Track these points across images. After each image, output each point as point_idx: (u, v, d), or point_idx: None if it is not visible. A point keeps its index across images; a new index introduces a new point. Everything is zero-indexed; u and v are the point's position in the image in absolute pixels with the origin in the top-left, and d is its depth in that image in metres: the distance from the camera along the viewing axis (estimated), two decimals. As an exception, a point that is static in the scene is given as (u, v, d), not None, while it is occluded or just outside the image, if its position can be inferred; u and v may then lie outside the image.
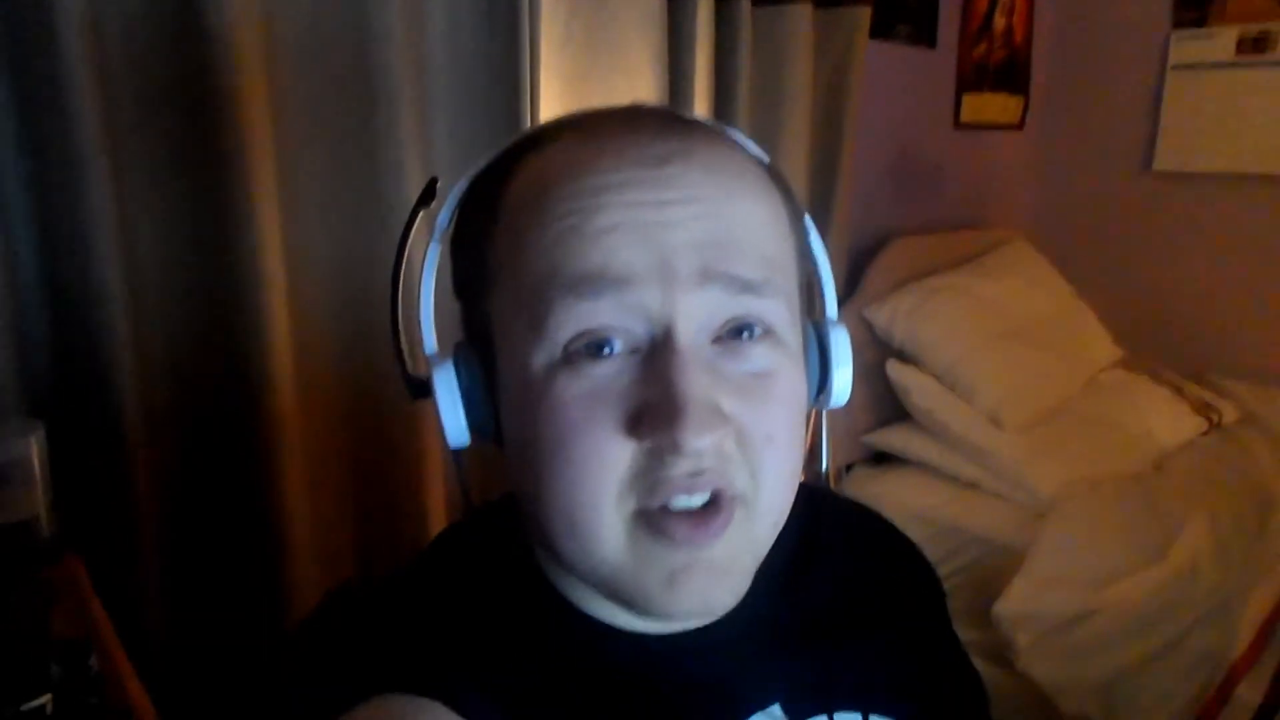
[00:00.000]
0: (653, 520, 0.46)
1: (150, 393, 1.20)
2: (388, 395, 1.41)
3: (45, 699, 0.79)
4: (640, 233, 0.46)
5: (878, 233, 2.42)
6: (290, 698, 0.48)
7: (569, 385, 0.46)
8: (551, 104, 1.55)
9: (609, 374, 0.46)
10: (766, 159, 0.55)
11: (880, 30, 2.27)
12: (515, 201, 0.50)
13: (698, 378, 0.45)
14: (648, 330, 0.46)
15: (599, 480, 0.46)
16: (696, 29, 1.73)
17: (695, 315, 0.46)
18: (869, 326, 2.26)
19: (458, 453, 0.54)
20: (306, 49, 1.29)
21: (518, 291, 0.48)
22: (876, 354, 2.25)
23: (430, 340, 0.54)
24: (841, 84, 2.11)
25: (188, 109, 1.18)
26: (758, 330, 0.48)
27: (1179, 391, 2.36)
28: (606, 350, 0.46)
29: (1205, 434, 2.28)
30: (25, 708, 0.78)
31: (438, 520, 1.49)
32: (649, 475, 0.45)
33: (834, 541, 0.64)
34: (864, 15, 2.09)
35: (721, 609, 0.49)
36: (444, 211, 0.55)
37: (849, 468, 2.28)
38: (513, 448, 0.51)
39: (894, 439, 2.23)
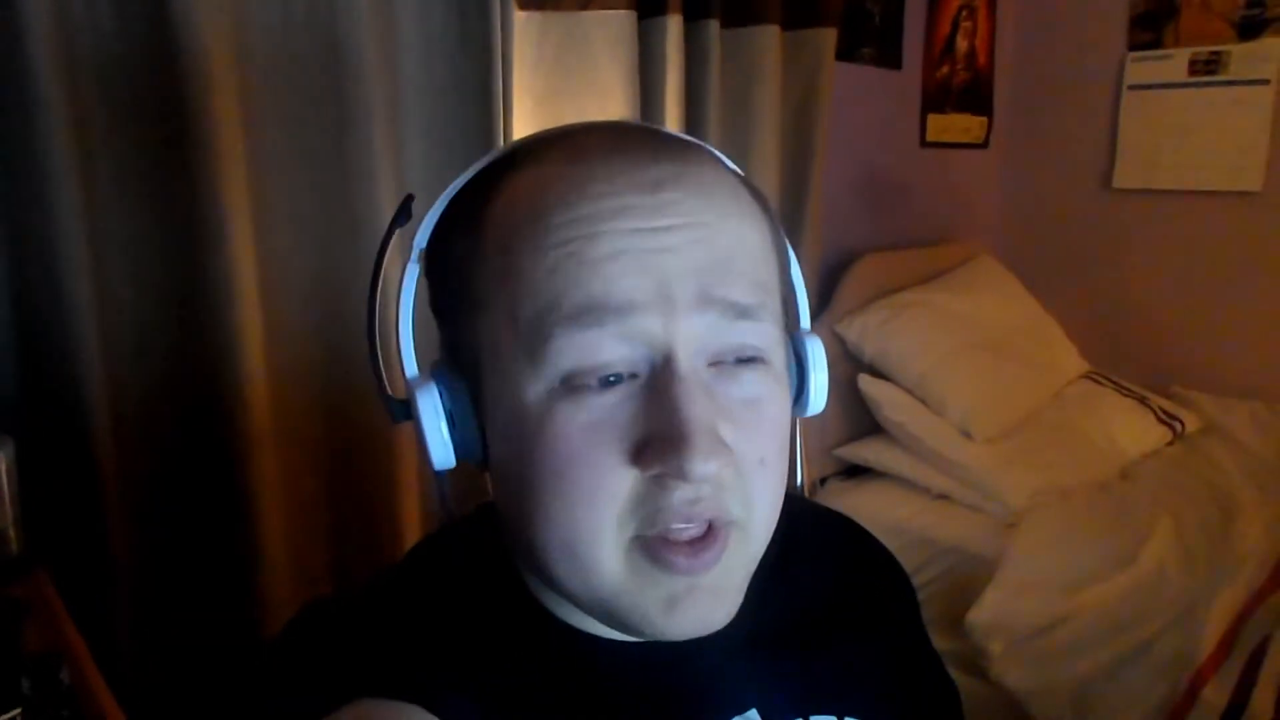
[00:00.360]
0: (651, 547, 0.46)
1: (120, 407, 1.20)
2: (362, 408, 1.40)
3: (15, 713, 0.78)
4: (640, 260, 0.46)
5: (847, 249, 2.45)
6: (267, 705, 0.48)
7: (571, 416, 0.46)
8: (524, 121, 1.57)
9: (610, 404, 0.46)
10: (744, 177, 0.55)
11: (846, 52, 2.32)
12: (501, 224, 0.49)
13: (702, 405, 0.45)
14: (648, 357, 0.46)
15: (600, 510, 0.46)
16: (667, 49, 1.75)
17: (694, 340, 0.46)
18: (840, 341, 2.29)
19: (440, 474, 0.53)
20: (278, 63, 1.29)
21: (512, 320, 0.47)
22: (848, 369, 2.27)
23: (411, 364, 0.53)
24: (810, 104, 2.15)
25: (159, 122, 1.18)
26: (750, 355, 0.49)
27: (1143, 402, 2.41)
28: (612, 379, 0.46)
29: (1169, 444, 2.33)
30: (-5, 722, 0.77)
31: (413, 535, 1.48)
32: (649, 503, 0.46)
33: (810, 549, 0.64)
34: (830, 37, 2.13)
35: (718, 627, 0.49)
36: (421, 232, 0.53)
37: (823, 481, 2.30)
38: (502, 471, 0.51)
39: (866, 452, 2.25)
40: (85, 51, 1.13)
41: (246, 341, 1.26)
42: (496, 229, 0.49)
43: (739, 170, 0.55)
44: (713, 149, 0.55)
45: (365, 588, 0.56)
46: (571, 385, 0.46)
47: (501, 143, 1.49)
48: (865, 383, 2.23)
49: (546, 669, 0.51)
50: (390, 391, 0.54)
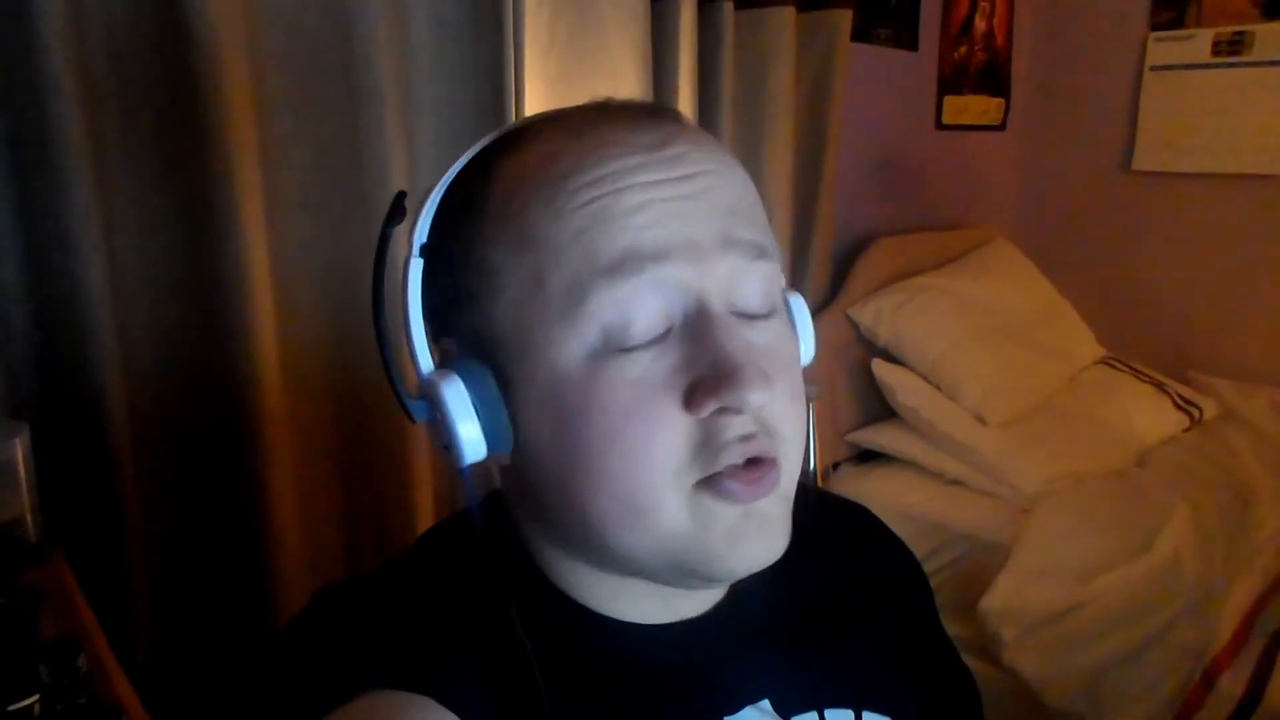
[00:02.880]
0: (713, 484, 0.47)
1: (135, 394, 1.20)
2: (374, 394, 1.41)
3: (33, 699, 0.79)
4: (665, 209, 0.47)
5: (861, 233, 2.43)
6: (281, 695, 0.48)
7: (617, 374, 0.46)
8: (535, 105, 1.56)
9: (651, 358, 0.47)
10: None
11: (861, 33, 2.29)
12: (510, 202, 0.49)
13: (741, 340, 0.47)
14: (682, 304, 0.48)
15: (661, 463, 0.47)
16: (680, 32, 1.74)
17: (722, 282, 0.48)
18: (854, 326, 2.27)
19: (466, 470, 0.51)
20: (290, 51, 1.29)
21: (539, 290, 0.47)
22: (861, 353, 2.26)
23: (426, 360, 0.51)
24: (824, 86, 2.13)
25: (172, 110, 1.18)
26: (766, 299, 0.51)
27: (1160, 388, 2.39)
28: (646, 334, 0.47)
29: (1186, 430, 2.31)
30: (13, 708, 0.78)
31: (425, 521, 1.49)
32: (706, 446, 0.47)
33: (823, 538, 0.64)
34: (845, 18, 2.11)
35: (774, 559, 0.50)
36: (420, 227, 0.52)
37: (835, 466, 2.29)
38: (535, 452, 0.50)
39: (879, 437, 2.24)
40: (98, 39, 1.13)
41: (259, 327, 1.26)
42: (504, 209, 0.50)
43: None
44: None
45: (376, 576, 0.56)
46: (612, 345, 0.47)
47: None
48: (879, 367, 2.22)
49: (561, 652, 0.51)
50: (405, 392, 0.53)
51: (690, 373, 0.46)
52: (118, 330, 1.16)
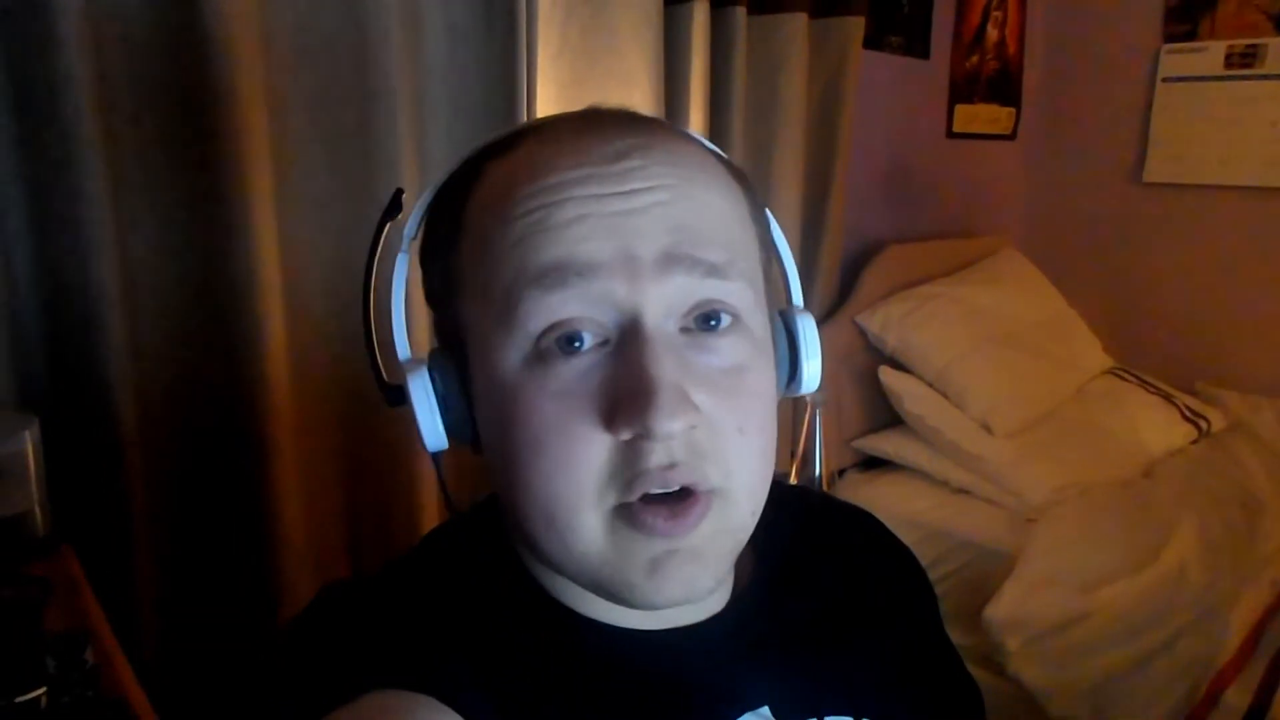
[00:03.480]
0: (630, 513, 0.46)
1: (145, 389, 1.21)
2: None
3: (40, 691, 0.79)
4: (603, 223, 0.47)
5: (871, 240, 2.43)
6: (284, 693, 0.48)
7: (543, 383, 0.46)
8: (547, 109, 1.56)
9: (581, 369, 0.46)
10: (725, 155, 0.56)
11: (873, 41, 2.29)
12: (479, 208, 0.51)
13: (667, 363, 0.45)
14: (616, 320, 0.47)
15: (577, 477, 0.46)
16: (692, 36, 1.74)
17: (661, 301, 0.47)
18: (862, 333, 2.27)
19: (436, 456, 0.55)
20: (304, 52, 1.30)
21: (486, 292, 0.48)
22: (869, 360, 2.26)
23: (403, 347, 0.55)
24: (836, 93, 2.13)
25: (184, 109, 1.19)
26: (725, 319, 0.49)
27: (1168, 399, 2.38)
28: (577, 344, 0.46)
29: (1194, 442, 2.30)
30: (20, 700, 0.78)
31: (430, 519, 1.49)
32: (626, 470, 0.46)
33: (827, 544, 0.64)
34: (857, 25, 2.11)
35: (704, 594, 0.49)
36: (410, 222, 0.55)
37: (841, 473, 2.29)
38: (490, 449, 0.51)
39: (886, 444, 2.24)
40: (112, 36, 1.14)
41: (268, 325, 1.27)
42: (473, 214, 0.51)
43: (720, 152, 0.56)
44: (691, 131, 0.57)
45: (379, 575, 0.56)
46: (542, 352, 0.47)
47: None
48: (886, 375, 2.22)
49: (558, 658, 0.51)
50: (387, 378, 0.56)
51: (613, 390, 0.46)
52: (128, 326, 1.17)
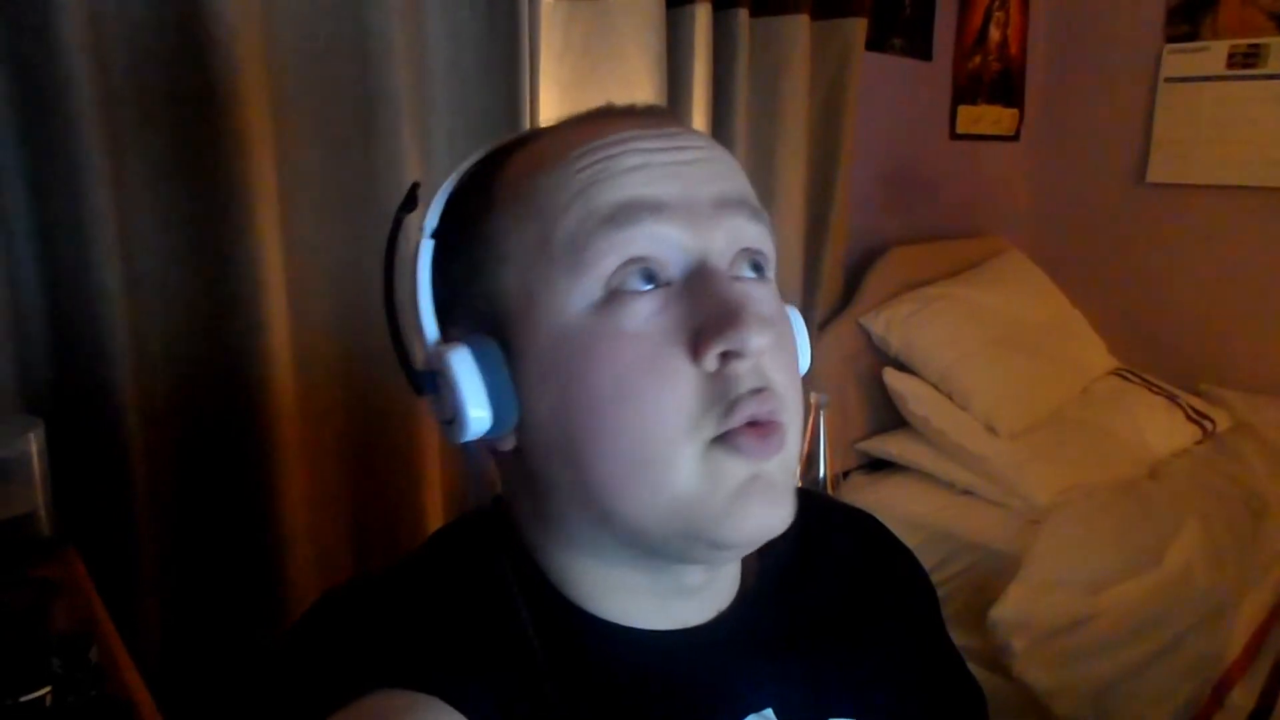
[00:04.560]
0: (727, 439, 0.47)
1: (148, 390, 1.21)
2: (385, 395, 1.41)
3: (45, 691, 0.79)
4: (664, 170, 0.49)
5: (874, 242, 2.43)
6: (287, 692, 0.48)
7: (621, 321, 0.47)
8: (550, 110, 1.56)
9: (655, 308, 0.48)
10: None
11: (875, 43, 2.30)
12: (518, 178, 0.52)
13: (741, 289, 0.49)
14: (682, 260, 0.49)
15: (674, 416, 0.47)
16: (695, 38, 1.74)
17: (720, 240, 0.50)
18: (866, 334, 2.27)
19: (470, 446, 0.52)
20: (306, 54, 1.30)
21: (543, 246, 0.49)
22: (873, 361, 2.26)
23: (432, 330, 0.53)
24: (838, 95, 2.13)
25: (189, 110, 1.19)
26: (767, 269, 0.53)
27: (1173, 400, 2.38)
28: (649, 283, 0.48)
29: (1199, 442, 2.30)
30: (25, 699, 0.78)
31: (435, 522, 1.49)
32: (719, 401, 0.47)
33: (830, 546, 0.64)
34: (860, 27, 2.11)
35: (778, 530, 0.50)
36: (433, 208, 0.54)
37: (846, 474, 2.28)
38: (543, 423, 0.50)
39: (890, 446, 2.24)
40: (115, 36, 1.14)
41: (272, 328, 1.27)
42: (513, 185, 0.52)
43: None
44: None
45: (383, 576, 0.56)
46: (613, 294, 0.48)
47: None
48: (890, 376, 2.22)
49: (564, 657, 0.51)
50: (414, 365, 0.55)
51: (693, 322, 0.47)
52: (132, 329, 1.17)
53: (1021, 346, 2.33)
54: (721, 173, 0.52)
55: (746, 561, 0.57)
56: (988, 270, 2.57)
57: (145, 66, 1.17)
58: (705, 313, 0.47)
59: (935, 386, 2.20)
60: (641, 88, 1.67)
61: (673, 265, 0.48)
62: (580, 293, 0.48)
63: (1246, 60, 2.57)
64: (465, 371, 0.49)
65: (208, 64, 1.17)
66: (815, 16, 2.00)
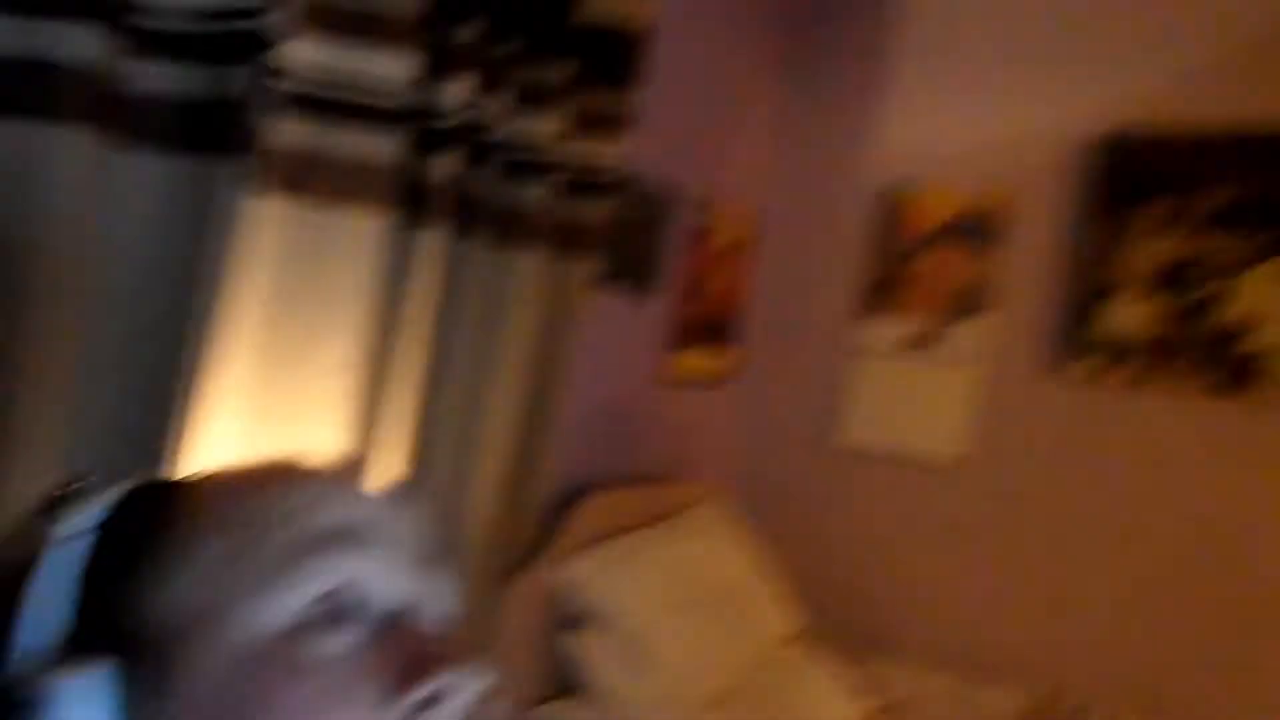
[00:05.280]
0: None
1: None
2: None
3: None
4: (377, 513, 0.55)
5: (576, 484, 2.32)
6: None
7: (323, 647, 0.48)
8: (249, 327, 1.30)
9: (357, 639, 0.50)
10: None
11: (602, 280, 2.26)
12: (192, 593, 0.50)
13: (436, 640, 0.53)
14: (384, 598, 0.52)
15: None
16: (420, 261, 1.58)
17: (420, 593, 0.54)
18: (550, 590, 2.10)
19: None
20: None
21: (235, 563, 0.48)
22: (551, 622, 2.09)
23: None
24: (559, 331, 2.05)
25: None
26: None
27: (848, 670, 2.44)
28: (350, 615, 0.50)
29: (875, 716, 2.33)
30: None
31: None
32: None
33: None
34: (590, 265, 2.07)
35: None
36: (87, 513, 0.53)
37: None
38: None
39: (566, 714, 2.04)
40: None
41: None
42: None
43: None
44: None
45: None
46: (317, 618, 0.48)
47: (213, 346, 1.19)
48: (567, 639, 2.06)
49: None
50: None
51: (398, 656, 0.49)
52: None
53: (712, 608, 2.29)
54: (428, 530, 0.57)
55: None
56: (685, 522, 2.54)
57: None
58: (408, 654, 0.50)
59: (619, 650, 2.06)
60: (354, 306, 1.47)
61: (374, 600, 0.51)
62: (278, 612, 0.48)
63: (924, 340, 2.86)
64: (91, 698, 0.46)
65: None
66: (549, 253, 1.93)
